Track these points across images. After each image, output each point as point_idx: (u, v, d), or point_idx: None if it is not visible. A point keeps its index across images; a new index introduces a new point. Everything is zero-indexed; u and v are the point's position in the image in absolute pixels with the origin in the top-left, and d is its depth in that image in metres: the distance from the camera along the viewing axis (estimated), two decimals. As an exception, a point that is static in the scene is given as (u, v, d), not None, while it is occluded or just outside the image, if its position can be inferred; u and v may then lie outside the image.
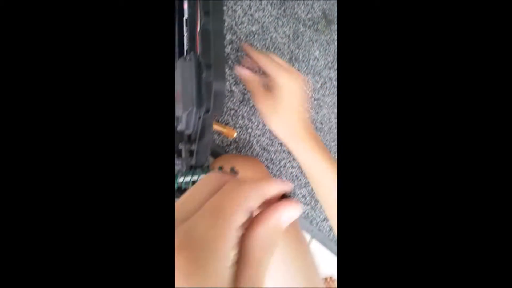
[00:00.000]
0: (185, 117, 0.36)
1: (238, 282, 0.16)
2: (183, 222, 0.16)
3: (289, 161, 0.82)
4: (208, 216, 0.16)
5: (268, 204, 0.18)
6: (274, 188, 0.19)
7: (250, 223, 0.18)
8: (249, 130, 0.72)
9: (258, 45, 0.71)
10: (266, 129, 0.73)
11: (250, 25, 0.70)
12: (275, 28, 0.73)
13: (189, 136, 0.41)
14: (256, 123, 0.72)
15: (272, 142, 0.74)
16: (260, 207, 0.18)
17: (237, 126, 0.70)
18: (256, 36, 0.71)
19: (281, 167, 0.82)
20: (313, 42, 0.77)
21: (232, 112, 0.70)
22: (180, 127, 0.39)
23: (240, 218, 0.16)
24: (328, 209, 0.46)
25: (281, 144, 0.81)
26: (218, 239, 0.15)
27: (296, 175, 0.85)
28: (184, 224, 0.16)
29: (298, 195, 0.84)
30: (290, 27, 0.75)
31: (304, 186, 0.87)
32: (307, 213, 0.87)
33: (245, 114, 0.71)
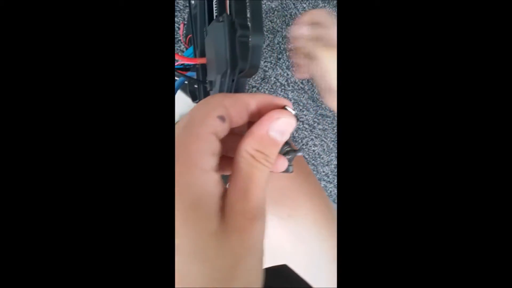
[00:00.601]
0: (219, 80, 0.36)
1: (228, 193, 0.16)
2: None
3: (311, 139, 0.82)
4: (184, 123, 0.16)
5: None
6: (258, 98, 0.18)
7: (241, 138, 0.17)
8: (272, 108, 0.72)
9: (278, 21, 0.71)
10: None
11: (270, 1, 0.70)
12: (294, 4, 0.72)
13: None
14: (278, 101, 0.72)
15: (294, 120, 0.74)
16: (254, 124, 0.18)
17: (260, 103, 0.71)
18: (275, 12, 0.71)
19: (303, 145, 0.81)
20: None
21: (254, 89, 0.70)
22: (213, 92, 0.39)
23: (212, 122, 0.16)
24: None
25: (302, 122, 0.81)
26: (190, 142, 0.15)
27: (318, 153, 0.85)
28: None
29: (320, 173, 0.84)
30: (309, 3, 0.74)
31: (327, 165, 0.86)
32: (330, 191, 0.87)
33: (266, 92, 0.71)
